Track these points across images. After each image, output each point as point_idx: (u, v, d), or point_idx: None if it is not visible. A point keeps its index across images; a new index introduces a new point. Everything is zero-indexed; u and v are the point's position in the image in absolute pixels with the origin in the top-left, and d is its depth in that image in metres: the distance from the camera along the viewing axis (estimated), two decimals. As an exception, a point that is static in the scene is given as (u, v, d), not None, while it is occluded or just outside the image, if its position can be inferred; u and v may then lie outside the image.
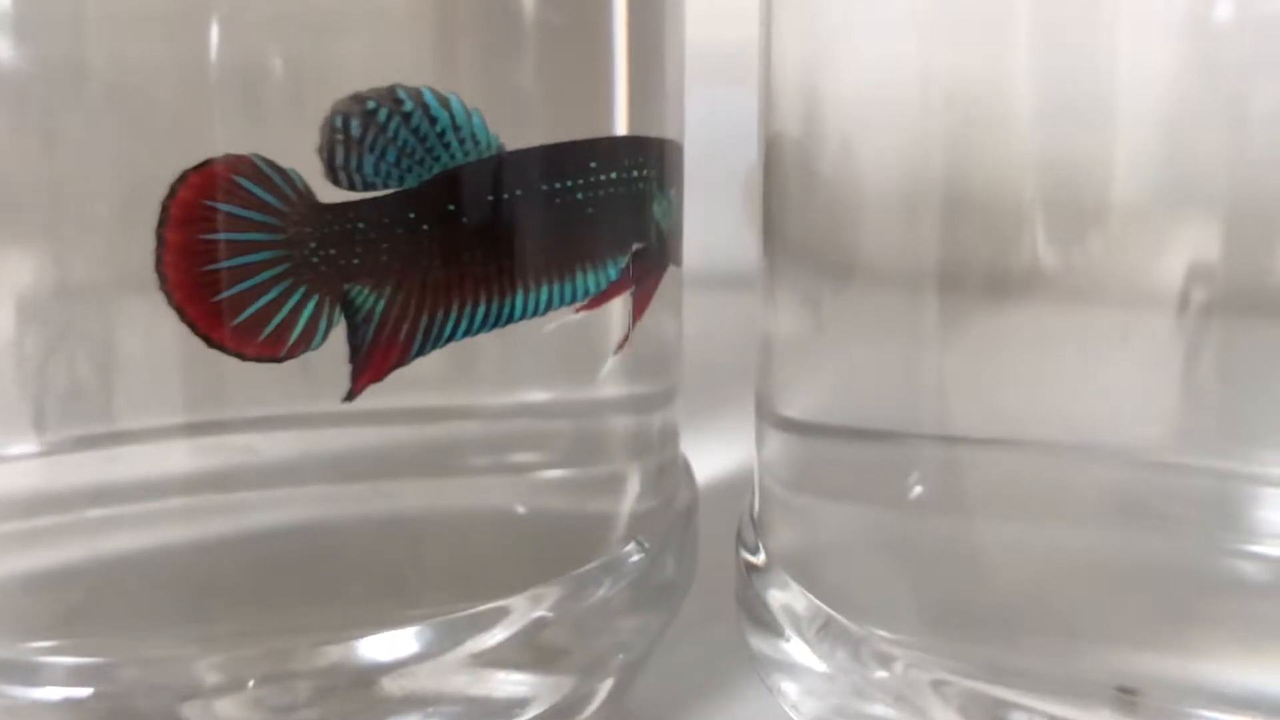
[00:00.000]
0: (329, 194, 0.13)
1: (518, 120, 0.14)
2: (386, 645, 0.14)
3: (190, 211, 0.12)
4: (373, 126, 0.13)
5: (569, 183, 0.15)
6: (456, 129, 0.14)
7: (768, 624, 0.16)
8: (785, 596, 0.15)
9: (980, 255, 0.13)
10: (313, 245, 0.13)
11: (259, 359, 0.13)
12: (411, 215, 0.14)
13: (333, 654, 0.13)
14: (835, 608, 0.15)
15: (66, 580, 0.13)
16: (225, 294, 0.12)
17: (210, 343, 0.13)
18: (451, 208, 0.14)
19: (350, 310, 0.13)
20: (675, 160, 0.18)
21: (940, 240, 0.13)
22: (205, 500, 0.13)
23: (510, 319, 0.14)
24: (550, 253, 0.15)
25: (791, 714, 0.15)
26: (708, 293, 0.28)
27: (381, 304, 0.13)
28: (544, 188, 0.15)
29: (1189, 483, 0.12)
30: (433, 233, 0.14)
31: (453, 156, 0.14)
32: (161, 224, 0.12)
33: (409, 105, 0.13)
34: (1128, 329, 0.12)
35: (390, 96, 0.13)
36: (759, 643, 0.16)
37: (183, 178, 0.12)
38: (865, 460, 0.15)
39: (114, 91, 0.12)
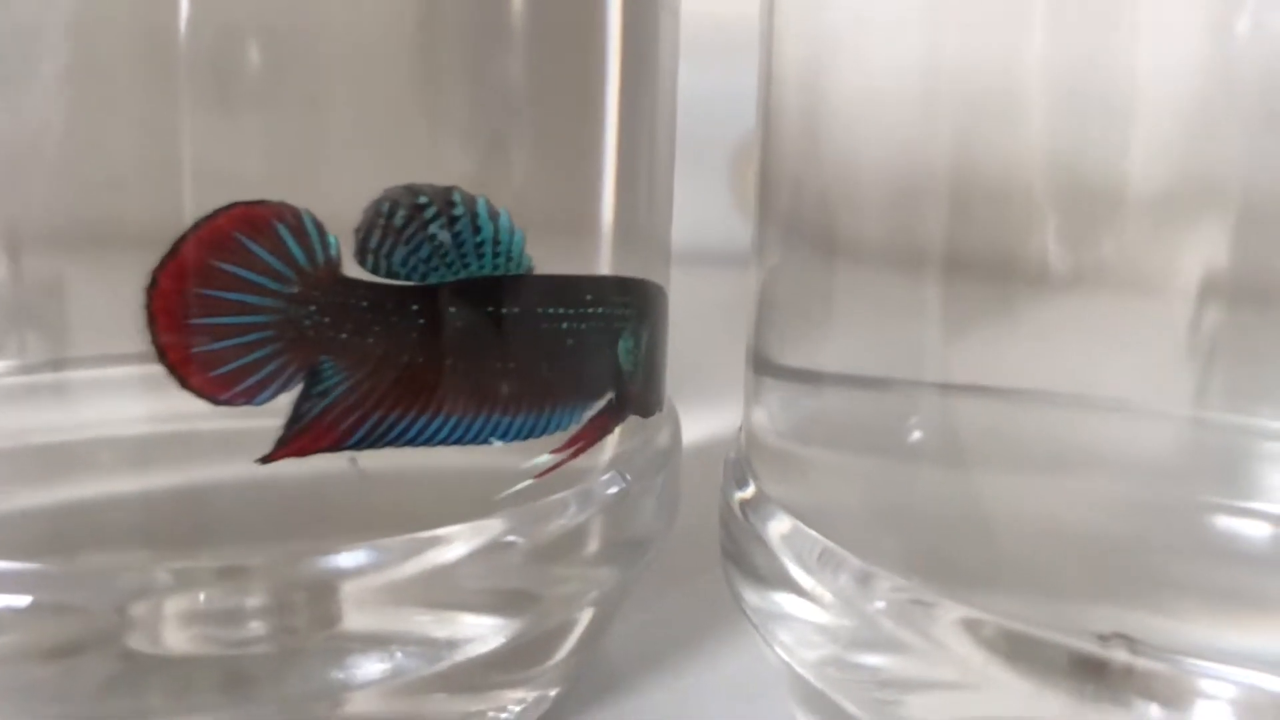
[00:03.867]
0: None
1: (501, 102, 0.14)
2: (346, 558, 0.13)
3: (212, 242, 0.12)
4: (417, 220, 0.13)
5: (560, 310, 0.15)
6: (496, 243, 0.14)
7: (760, 564, 0.15)
8: (781, 528, 0.15)
9: (988, 244, 0.13)
10: (311, 309, 0.13)
11: (229, 404, 0.12)
12: (414, 308, 0.13)
13: (291, 562, 0.13)
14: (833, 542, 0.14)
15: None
16: (210, 347, 0.12)
17: (185, 385, 0.12)
18: (453, 311, 0.14)
19: (313, 381, 0.13)
20: (660, 302, 0.17)
21: (946, 229, 0.13)
22: (158, 428, 0.12)
23: (459, 443, 0.14)
24: (524, 385, 0.14)
25: (785, 657, 0.15)
26: (696, 269, 0.28)
27: (344, 387, 0.13)
28: (538, 311, 0.15)
29: (1193, 436, 0.12)
30: (425, 331, 0.13)
31: (481, 267, 0.14)
32: (180, 241, 0.12)
33: (460, 209, 0.13)
34: (1134, 304, 0.12)
35: (445, 197, 0.13)
36: (749, 590, 0.16)
37: (228, 208, 0.12)
38: (863, 406, 0.15)
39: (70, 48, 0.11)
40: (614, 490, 0.16)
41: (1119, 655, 0.12)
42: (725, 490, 0.17)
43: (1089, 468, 0.13)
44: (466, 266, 0.14)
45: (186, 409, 0.12)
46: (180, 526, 0.13)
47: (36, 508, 0.12)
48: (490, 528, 0.14)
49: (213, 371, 0.12)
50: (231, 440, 0.13)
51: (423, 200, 0.13)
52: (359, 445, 0.13)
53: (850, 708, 0.14)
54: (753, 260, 0.17)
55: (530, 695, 0.15)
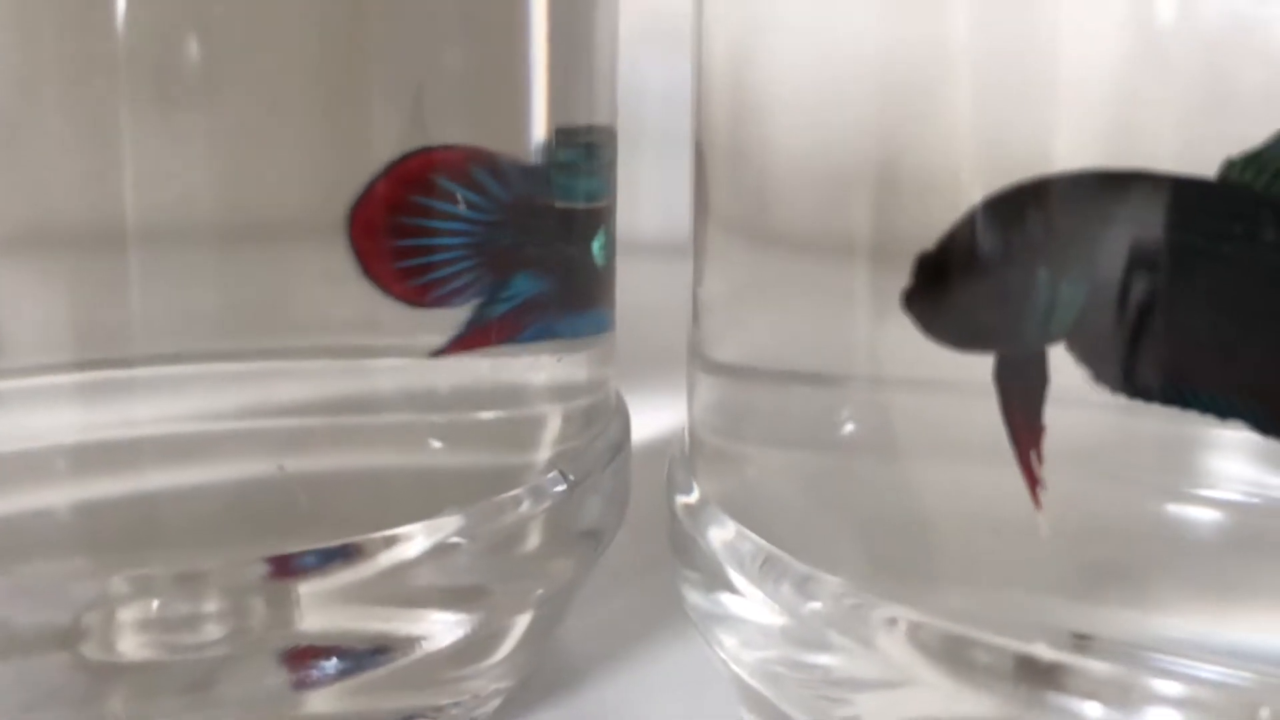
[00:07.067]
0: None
1: (437, 93, 0.14)
2: (299, 560, 0.13)
3: (402, 179, 0.13)
4: (581, 153, 0.15)
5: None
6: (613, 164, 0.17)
7: (703, 568, 0.15)
8: (723, 534, 0.15)
9: (917, 234, 0.12)
10: (510, 231, 0.14)
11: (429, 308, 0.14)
12: (591, 224, 0.16)
13: (243, 567, 0.13)
14: (775, 545, 0.14)
15: None
16: (406, 263, 0.14)
17: (388, 293, 0.13)
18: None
19: (501, 287, 0.14)
20: None
21: (873, 220, 0.13)
22: (107, 434, 0.13)
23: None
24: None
25: (730, 662, 0.15)
26: (670, 262, 0.28)
27: (531, 293, 0.15)
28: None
29: (1134, 424, 0.12)
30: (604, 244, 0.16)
31: (611, 186, 0.17)
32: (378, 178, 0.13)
33: (602, 138, 0.16)
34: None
35: (593, 136, 0.16)
36: (693, 592, 0.16)
37: (416, 152, 0.13)
38: (797, 401, 0.15)
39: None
40: (562, 486, 0.16)
41: (1061, 656, 0.12)
42: (669, 493, 0.17)
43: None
44: (610, 188, 0.16)
45: (128, 416, 0.12)
46: (131, 533, 0.13)
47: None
48: (443, 526, 0.14)
49: (411, 282, 0.14)
50: (177, 445, 0.13)
51: (580, 138, 0.15)
52: (528, 340, 0.15)
53: (791, 711, 0.14)
54: (691, 254, 0.17)
55: (485, 688, 0.16)
